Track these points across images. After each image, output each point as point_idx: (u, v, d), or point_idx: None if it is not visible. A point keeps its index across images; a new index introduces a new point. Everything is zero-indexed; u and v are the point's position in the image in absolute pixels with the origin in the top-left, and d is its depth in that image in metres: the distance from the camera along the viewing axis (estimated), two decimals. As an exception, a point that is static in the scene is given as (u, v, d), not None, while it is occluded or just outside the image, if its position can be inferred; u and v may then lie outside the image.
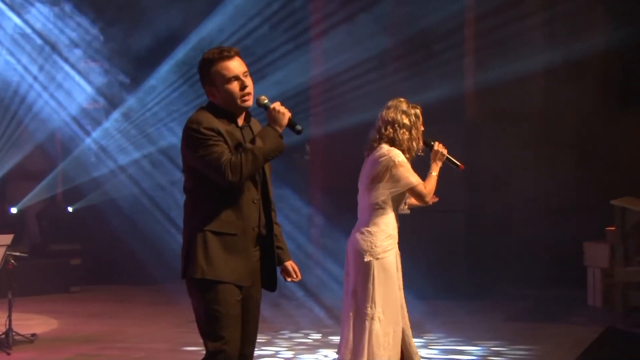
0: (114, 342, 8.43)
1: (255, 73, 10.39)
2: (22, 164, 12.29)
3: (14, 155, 12.10)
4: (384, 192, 5.39)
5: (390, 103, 5.55)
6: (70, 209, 12.49)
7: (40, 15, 11.83)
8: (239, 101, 4.18)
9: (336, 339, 8.31)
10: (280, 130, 4.16)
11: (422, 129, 5.55)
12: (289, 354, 7.75)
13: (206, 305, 4.09)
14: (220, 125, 4.12)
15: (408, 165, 5.42)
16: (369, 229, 5.41)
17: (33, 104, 12.04)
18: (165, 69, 11.97)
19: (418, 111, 5.53)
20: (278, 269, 4.39)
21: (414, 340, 5.57)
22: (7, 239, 7.95)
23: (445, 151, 5.62)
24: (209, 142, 4.06)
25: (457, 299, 10.28)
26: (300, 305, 10.30)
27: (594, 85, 11.44)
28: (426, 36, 11.30)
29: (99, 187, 12.24)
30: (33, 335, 8.34)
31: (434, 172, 5.52)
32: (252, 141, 4.12)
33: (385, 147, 5.42)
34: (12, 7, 11.68)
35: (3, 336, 7.97)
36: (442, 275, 10.24)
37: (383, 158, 5.39)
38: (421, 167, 5.57)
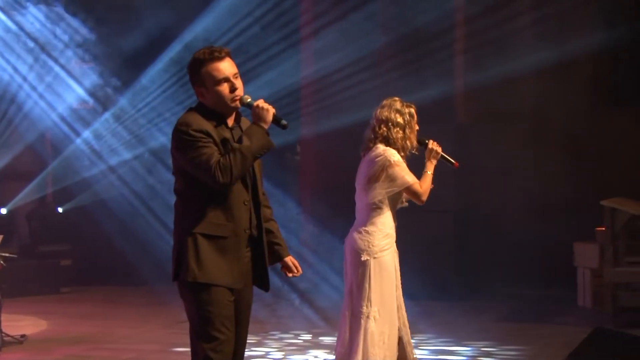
0: (104, 343, 8.41)
1: (246, 73, 10.38)
2: (12, 165, 12.25)
3: (4, 156, 12.06)
4: (380, 192, 5.42)
5: (384, 102, 5.58)
6: (60, 210, 12.46)
7: (30, 16, 11.79)
8: (229, 103, 4.16)
9: (327, 339, 8.35)
10: (265, 127, 4.14)
11: (417, 127, 5.57)
12: (279, 355, 7.75)
13: (199, 308, 4.07)
14: (210, 127, 4.10)
15: (404, 165, 5.45)
16: (366, 228, 5.45)
17: (23, 105, 12.00)
18: (156, 69, 11.95)
19: (412, 110, 5.55)
20: (271, 268, 4.38)
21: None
22: (-3, 240, 7.92)
23: (439, 149, 5.65)
24: (199, 144, 4.04)
25: (447, 299, 10.28)
26: (291, 306, 10.30)
27: (585, 85, 11.45)
28: (417, 36, 11.30)
29: (89, 187, 12.21)
30: (23, 336, 8.31)
31: (429, 171, 5.56)
32: (239, 140, 4.10)
33: (381, 147, 5.45)
34: (1, 8, 11.65)
35: (-8, 337, 7.95)
36: (433, 276, 10.25)
37: (379, 158, 5.41)
38: (416, 165, 5.59)
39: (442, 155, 5.66)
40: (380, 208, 5.44)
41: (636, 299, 9.04)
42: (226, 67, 4.16)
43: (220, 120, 4.17)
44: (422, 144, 5.65)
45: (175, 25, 11.77)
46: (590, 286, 9.97)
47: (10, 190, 12.28)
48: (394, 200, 5.49)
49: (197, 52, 4.21)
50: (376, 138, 5.48)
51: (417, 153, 5.65)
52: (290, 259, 4.47)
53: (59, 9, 11.81)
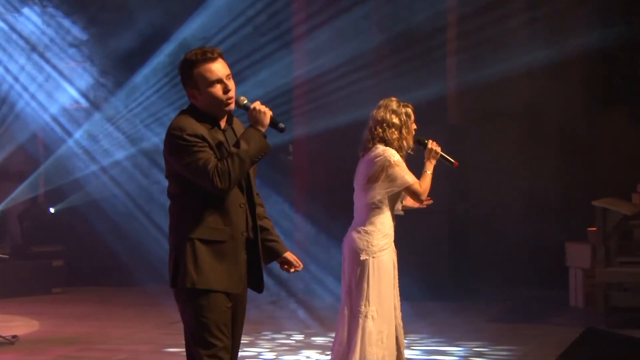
0: (96, 343, 8.40)
1: (238, 73, 10.38)
2: (4, 165, 12.22)
3: (-4, 156, 12.04)
4: (380, 192, 5.44)
5: (380, 102, 5.59)
6: (52, 210, 12.43)
7: (22, 16, 11.76)
8: (222, 105, 4.10)
9: (319, 340, 8.35)
10: (263, 130, 4.09)
11: (415, 127, 5.58)
12: (271, 355, 7.75)
13: (197, 314, 4.03)
14: (203, 130, 4.05)
15: (403, 165, 5.47)
16: (365, 228, 5.47)
17: (15, 105, 11.97)
18: (149, 70, 11.93)
19: (409, 110, 5.57)
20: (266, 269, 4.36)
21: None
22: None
23: (439, 149, 5.68)
24: (194, 149, 3.98)
25: (440, 299, 10.29)
26: (283, 307, 10.29)
27: (578, 85, 11.47)
28: (410, 37, 11.30)
29: (81, 188, 12.19)
30: (14, 337, 8.29)
31: (429, 171, 5.58)
32: (237, 144, 4.04)
33: (380, 147, 5.47)
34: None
35: (-16, 338, 7.94)
36: (425, 276, 10.25)
37: (379, 158, 5.43)
38: (415, 165, 5.61)
39: (441, 154, 5.69)
40: (379, 208, 5.46)
41: (628, 299, 9.07)
42: (219, 68, 4.10)
43: (213, 122, 4.12)
44: (421, 144, 5.67)
45: (167, 25, 11.76)
46: (582, 286, 9.99)
47: (2, 190, 12.25)
48: (393, 200, 5.52)
49: (188, 53, 4.15)
50: (374, 139, 5.51)
51: (413, 153, 5.66)
52: (289, 254, 4.43)
53: (51, 9, 11.78)
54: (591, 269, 9.64)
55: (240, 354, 4.42)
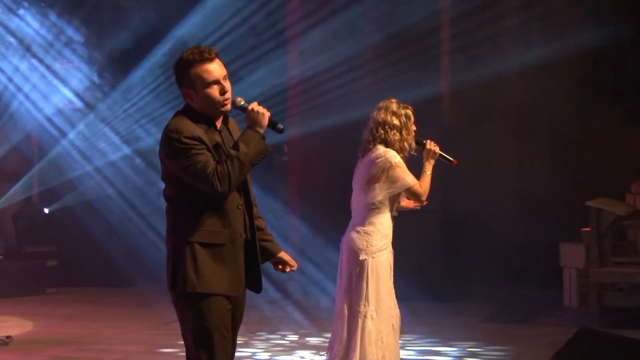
0: (90, 344, 8.39)
1: (233, 74, 10.35)
2: (-2, 165, 12.21)
3: (-11, 157, 12.02)
4: (380, 193, 5.47)
5: (380, 104, 5.61)
6: (46, 211, 12.41)
7: (16, 16, 11.74)
8: (218, 106, 4.05)
9: (313, 340, 8.35)
10: (261, 131, 4.04)
11: (415, 128, 5.60)
12: (266, 356, 7.75)
13: (198, 318, 3.99)
14: (201, 132, 4.00)
15: (404, 166, 5.51)
16: (365, 228, 5.49)
17: (9, 105, 11.95)
18: (143, 70, 11.92)
19: (409, 111, 5.59)
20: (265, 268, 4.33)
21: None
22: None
23: (437, 149, 5.70)
24: (192, 152, 3.93)
25: (433, 300, 10.29)
26: (278, 307, 10.29)
27: (571, 85, 11.49)
28: (404, 37, 11.31)
29: (75, 188, 12.17)
30: (8, 337, 8.28)
31: (428, 171, 5.62)
32: (236, 146, 4.00)
33: (381, 149, 5.49)
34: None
35: (-23, 339, 7.92)
36: (419, 276, 10.25)
37: (380, 159, 5.46)
38: (413, 165, 5.62)
39: (440, 154, 5.72)
40: (379, 208, 5.49)
41: (622, 299, 9.08)
42: (216, 68, 4.04)
43: (209, 123, 4.07)
44: (420, 145, 5.69)
45: (162, 25, 11.74)
46: (576, 286, 10.00)
47: (-4, 191, 12.23)
48: (392, 201, 5.55)
49: (184, 53, 4.09)
50: (374, 140, 5.53)
51: (415, 154, 5.68)
52: (283, 254, 4.39)
53: (45, 8, 11.76)
54: (585, 269, 9.66)
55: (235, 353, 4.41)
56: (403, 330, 8.47)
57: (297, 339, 8.49)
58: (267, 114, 4.07)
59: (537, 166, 11.49)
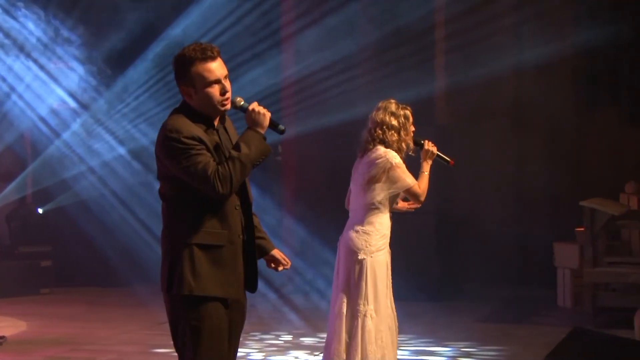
0: (84, 344, 8.38)
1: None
2: (-9, 166, 12.18)
3: (-17, 157, 11.99)
4: (381, 193, 5.49)
5: (379, 104, 5.63)
6: (40, 211, 12.39)
7: (8, 16, 11.71)
8: (218, 106, 3.96)
9: (307, 340, 8.34)
10: (262, 132, 3.96)
11: (413, 129, 5.61)
12: (260, 356, 7.74)
13: (193, 321, 3.91)
14: (200, 132, 3.90)
15: (404, 167, 5.55)
16: (364, 228, 5.51)
17: (2, 105, 11.93)
18: (138, 70, 11.90)
19: (408, 112, 5.60)
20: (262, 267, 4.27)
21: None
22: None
23: (435, 149, 5.71)
24: (192, 152, 3.83)
25: (428, 300, 10.29)
26: (272, 307, 10.28)
27: (566, 85, 11.49)
28: (398, 37, 11.31)
29: (69, 188, 12.15)
30: (2, 337, 8.27)
31: (426, 171, 5.65)
32: (237, 147, 3.92)
33: (381, 149, 5.50)
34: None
35: (-29, 339, 7.91)
36: (413, 276, 10.25)
37: (380, 160, 5.47)
38: (411, 165, 5.62)
39: (437, 154, 5.74)
40: (378, 209, 5.52)
41: (615, 299, 9.09)
42: (217, 68, 3.93)
43: (208, 123, 3.98)
44: (417, 145, 5.71)
45: (157, 24, 11.73)
46: (570, 286, 10.01)
47: (-10, 191, 12.21)
48: (392, 201, 5.57)
49: (186, 49, 3.95)
50: (374, 140, 5.54)
51: (413, 154, 5.70)
52: (277, 252, 4.32)
53: (38, 8, 11.73)
54: (579, 269, 9.67)
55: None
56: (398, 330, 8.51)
57: (291, 339, 8.49)
58: (268, 115, 4.00)
59: (531, 166, 11.49)
